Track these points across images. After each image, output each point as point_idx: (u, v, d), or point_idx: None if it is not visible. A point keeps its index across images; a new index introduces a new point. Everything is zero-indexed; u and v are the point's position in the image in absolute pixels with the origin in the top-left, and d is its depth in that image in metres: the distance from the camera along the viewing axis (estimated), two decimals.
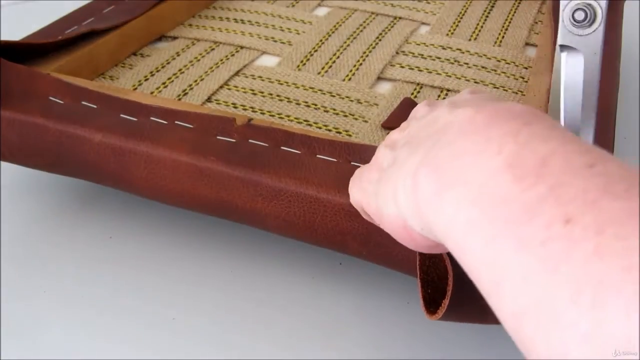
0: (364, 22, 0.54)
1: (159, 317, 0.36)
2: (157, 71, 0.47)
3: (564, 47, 0.28)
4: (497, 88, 0.45)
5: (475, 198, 0.19)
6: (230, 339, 0.34)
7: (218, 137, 0.35)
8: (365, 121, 0.42)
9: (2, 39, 0.45)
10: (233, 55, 0.50)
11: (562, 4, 0.27)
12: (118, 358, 0.33)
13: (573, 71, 0.28)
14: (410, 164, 0.23)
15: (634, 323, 0.13)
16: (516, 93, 0.45)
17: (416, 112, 0.27)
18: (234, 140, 0.35)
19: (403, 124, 0.27)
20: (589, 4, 0.27)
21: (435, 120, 0.24)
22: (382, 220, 0.25)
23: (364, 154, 0.33)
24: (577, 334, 0.14)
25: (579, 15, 0.27)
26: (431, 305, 0.28)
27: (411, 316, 0.35)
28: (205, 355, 0.34)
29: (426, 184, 0.21)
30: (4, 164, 0.45)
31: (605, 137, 0.37)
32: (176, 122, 0.36)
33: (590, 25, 0.27)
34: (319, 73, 0.47)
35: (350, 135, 0.40)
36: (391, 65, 0.48)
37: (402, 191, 0.23)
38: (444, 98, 0.44)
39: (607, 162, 0.17)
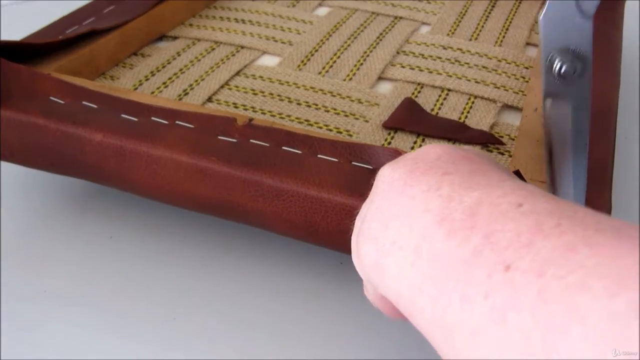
0: (365, 21, 0.54)
1: (159, 317, 0.36)
2: (158, 71, 0.47)
3: (549, 94, 0.26)
4: (498, 88, 0.45)
5: (413, 261, 0.19)
6: (230, 339, 0.34)
7: (219, 137, 0.35)
8: (366, 121, 0.42)
9: (2, 39, 0.45)
10: (234, 55, 0.50)
11: (542, 54, 0.25)
12: (118, 358, 0.33)
13: (561, 119, 0.26)
14: (354, 235, 0.23)
15: None
16: (517, 93, 0.45)
17: None
18: (234, 140, 0.35)
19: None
20: (577, 56, 0.24)
21: (374, 183, 0.24)
22: (372, 300, 0.26)
23: (365, 153, 0.33)
24: None
25: (567, 72, 0.24)
26: None
27: None
28: (205, 355, 0.34)
29: (366, 255, 0.21)
30: (4, 163, 0.45)
31: (605, 137, 0.37)
32: (177, 122, 0.36)
33: (579, 74, 0.25)
34: (319, 73, 0.47)
35: (351, 135, 0.40)
36: (392, 65, 0.48)
37: (356, 263, 0.23)
38: (444, 98, 0.44)
39: (535, 198, 0.17)
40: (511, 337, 0.15)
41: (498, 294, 0.16)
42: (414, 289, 0.18)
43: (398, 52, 0.50)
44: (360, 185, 0.32)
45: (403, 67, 0.48)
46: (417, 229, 0.19)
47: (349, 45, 0.51)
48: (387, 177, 0.22)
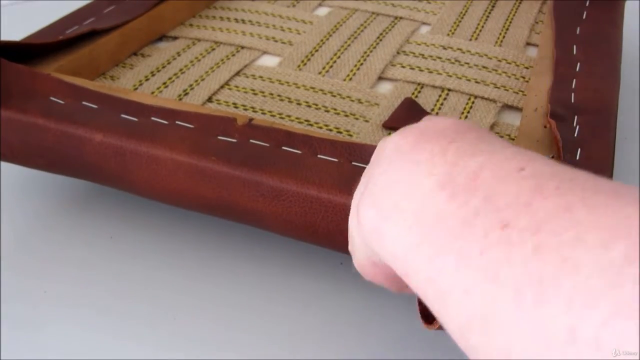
0: (365, 22, 0.54)
1: (160, 317, 0.36)
2: (158, 71, 0.47)
3: None
4: (498, 88, 0.45)
5: (413, 223, 0.19)
6: (230, 339, 0.34)
7: (219, 137, 0.35)
8: (367, 121, 0.42)
9: (2, 39, 0.45)
10: (234, 55, 0.50)
11: None
12: (119, 358, 0.33)
13: None
14: (354, 201, 0.23)
15: (576, 314, 0.13)
16: (517, 93, 0.45)
17: None
18: (234, 140, 0.35)
19: None
20: None
21: (376, 151, 0.24)
22: (359, 268, 0.26)
23: (365, 153, 0.33)
24: (520, 334, 0.14)
25: None
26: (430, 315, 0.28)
27: (413, 317, 0.35)
28: (206, 355, 0.34)
29: (367, 218, 0.22)
30: (4, 163, 0.45)
31: (605, 137, 0.37)
32: (177, 122, 0.36)
33: None
34: (319, 73, 0.47)
35: (351, 135, 0.40)
36: (392, 65, 0.48)
37: (354, 228, 0.23)
38: (445, 98, 0.44)
39: (536, 163, 0.18)
40: (503, 293, 0.15)
41: (493, 250, 0.16)
42: (412, 249, 0.19)
43: (398, 52, 0.50)
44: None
45: (403, 67, 0.48)
46: (419, 192, 0.19)
47: (349, 45, 0.51)
48: (394, 145, 0.22)
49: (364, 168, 0.32)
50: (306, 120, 0.42)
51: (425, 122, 0.23)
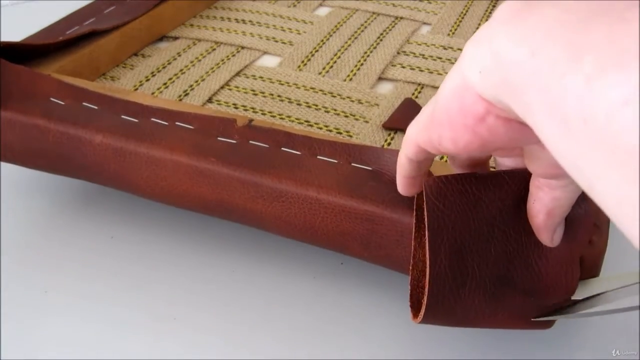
0: (365, 22, 0.54)
1: (160, 317, 0.36)
2: (158, 71, 0.47)
3: None
4: None
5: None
6: (231, 339, 0.34)
7: (219, 138, 0.35)
8: (366, 121, 0.42)
9: (2, 39, 0.45)
10: (234, 55, 0.50)
11: None
12: (119, 358, 0.33)
13: None
14: (483, 34, 0.20)
15: None
16: None
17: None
18: (234, 142, 0.35)
19: None
20: None
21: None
22: (438, 107, 0.23)
23: (365, 154, 0.33)
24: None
25: None
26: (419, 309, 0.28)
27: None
28: (206, 355, 0.34)
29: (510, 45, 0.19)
30: (4, 164, 0.45)
31: None
32: (177, 123, 0.36)
33: None
34: (319, 73, 0.47)
35: (351, 136, 0.40)
36: (392, 66, 0.48)
37: (475, 63, 0.21)
38: None
39: None
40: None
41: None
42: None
43: (398, 53, 0.50)
44: (359, 187, 0.32)
45: (403, 67, 0.48)
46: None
47: (349, 45, 0.51)
48: None
49: (364, 169, 0.32)
50: (306, 121, 0.42)
51: None
